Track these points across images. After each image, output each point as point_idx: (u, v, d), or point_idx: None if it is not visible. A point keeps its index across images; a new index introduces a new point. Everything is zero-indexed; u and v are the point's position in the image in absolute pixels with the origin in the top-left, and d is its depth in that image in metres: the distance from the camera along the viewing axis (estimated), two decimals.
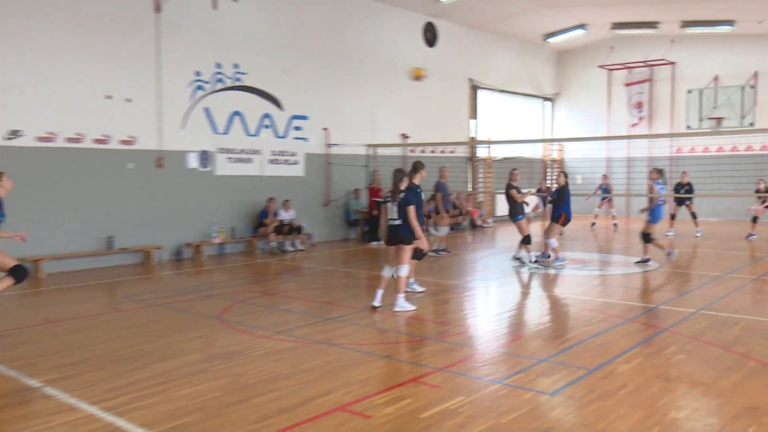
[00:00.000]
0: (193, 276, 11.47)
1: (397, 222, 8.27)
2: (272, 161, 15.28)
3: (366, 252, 14.61)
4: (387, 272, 8.57)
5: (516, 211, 11.92)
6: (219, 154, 14.22)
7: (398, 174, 8.37)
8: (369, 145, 16.94)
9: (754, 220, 16.11)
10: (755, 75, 21.19)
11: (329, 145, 16.49)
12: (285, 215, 14.65)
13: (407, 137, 18.65)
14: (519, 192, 11.93)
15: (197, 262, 12.97)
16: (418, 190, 8.57)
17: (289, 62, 15.52)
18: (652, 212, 12.21)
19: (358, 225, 16.81)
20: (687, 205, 16.82)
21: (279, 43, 15.30)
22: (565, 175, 12.06)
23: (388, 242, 8.43)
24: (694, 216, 16.90)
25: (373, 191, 15.83)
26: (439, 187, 13.56)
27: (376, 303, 8.34)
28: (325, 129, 16.41)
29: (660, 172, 12.34)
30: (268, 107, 15.14)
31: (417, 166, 8.75)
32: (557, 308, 8.64)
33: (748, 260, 12.69)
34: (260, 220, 14.54)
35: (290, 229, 14.53)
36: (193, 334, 7.17)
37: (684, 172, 17.01)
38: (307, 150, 16.04)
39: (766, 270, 11.56)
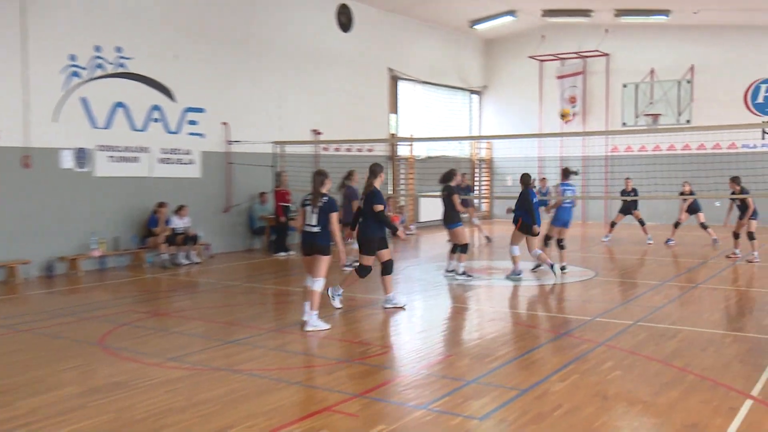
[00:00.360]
0: (67, 295, 11.04)
1: (315, 229, 8.30)
2: (163, 160, 14.93)
3: (273, 264, 14.49)
4: (310, 282, 8.54)
5: (453, 217, 11.89)
6: (99, 152, 13.75)
7: (319, 177, 8.43)
8: (276, 143, 16.81)
9: (676, 225, 17.08)
10: (691, 69, 22.43)
11: (230, 142, 16.28)
12: (178, 223, 14.35)
13: (319, 134, 18.64)
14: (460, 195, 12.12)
15: (73, 279, 12.48)
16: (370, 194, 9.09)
17: (183, 46, 15.21)
18: (556, 215, 12.81)
19: (264, 233, 16.64)
20: (633, 213, 17.51)
21: (170, 24, 14.97)
22: (525, 179, 12.04)
23: (304, 251, 8.47)
24: (641, 223, 17.58)
25: (280, 195, 15.71)
26: (350, 193, 13.18)
27: (306, 317, 8.34)
28: (224, 124, 16.19)
29: (568, 173, 12.93)
30: (158, 98, 14.78)
31: (376, 170, 9.47)
32: (487, 324, 8.82)
33: (687, 267, 13.38)
34: (149, 228, 14.17)
35: (184, 239, 14.25)
36: (69, 364, 6.88)
37: (628, 179, 17.64)
38: (204, 147, 15.76)
39: (706, 276, 12.22)
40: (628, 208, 17.61)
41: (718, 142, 20.58)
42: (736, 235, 14.25)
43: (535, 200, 11.78)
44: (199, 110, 15.66)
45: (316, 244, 8.29)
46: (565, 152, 23.91)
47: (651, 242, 17.26)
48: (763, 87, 21.63)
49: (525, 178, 11.88)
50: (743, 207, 14.05)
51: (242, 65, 16.64)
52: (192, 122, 15.53)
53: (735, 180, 14.10)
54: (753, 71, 21.72)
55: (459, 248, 12.03)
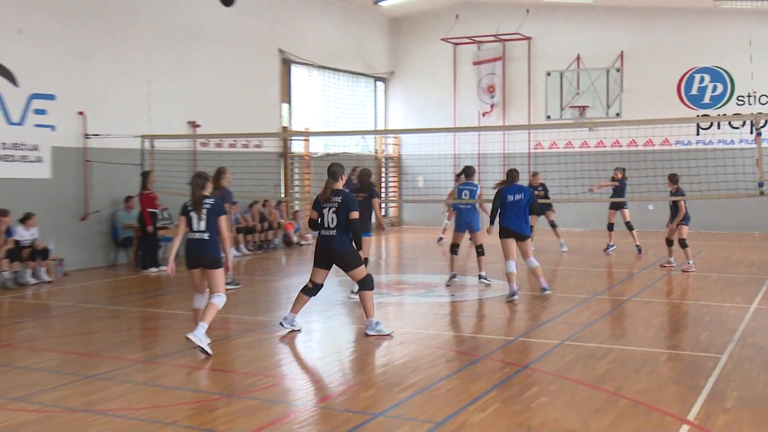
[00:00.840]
0: None
1: (205, 236, 8.42)
2: (2, 158, 14.41)
3: (141, 282, 14.20)
4: (199, 303, 8.61)
5: (366, 225, 11.74)
6: None
7: (199, 180, 8.56)
8: (144, 137, 16.46)
9: (610, 227, 17.68)
10: (621, 56, 23.43)
11: (88, 136, 15.87)
12: (24, 234, 13.92)
13: (198, 126, 18.39)
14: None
15: None
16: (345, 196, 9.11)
17: (26, 19, 14.74)
18: (456, 220, 13.26)
19: (131, 246, 16.28)
20: (545, 213, 18.05)
21: None
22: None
23: (190, 263, 8.54)
24: (553, 225, 18.13)
25: (147, 199, 15.40)
26: (225, 195, 12.21)
27: (192, 336, 8.28)
28: (80, 113, 15.79)
29: (467, 172, 13.36)
30: None
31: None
32: (396, 347, 8.91)
33: (619, 278, 13.95)
34: None
35: (32, 254, 13.80)
36: None
37: (536, 173, 18.27)
38: (55, 142, 15.32)
39: (638, 289, 12.78)
40: (540, 207, 18.02)
41: (650, 138, 21.56)
42: (669, 242, 14.90)
43: (508, 200, 11.55)
44: (49, 97, 15.19)
45: (203, 254, 8.39)
46: (483, 149, 24.45)
47: (565, 250, 17.85)
48: (698, 77, 22.83)
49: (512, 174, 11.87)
50: (674, 210, 14.66)
51: (102, 43, 16.23)
52: (39, 111, 15.04)
53: (672, 178, 14.60)
54: (687, 59, 22.87)
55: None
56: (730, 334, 9.16)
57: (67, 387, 7.23)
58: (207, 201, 8.44)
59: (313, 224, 9.29)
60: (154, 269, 15.24)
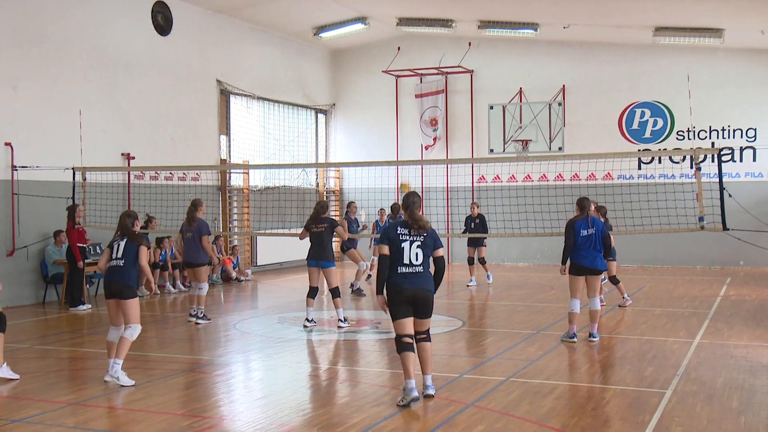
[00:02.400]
0: None
1: (120, 263, 8.85)
2: None
3: (71, 320, 13.90)
4: (113, 335, 8.84)
5: (332, 254, 12.66)
6: None
7: (128, 219, 9.17)
8: (76, 169, 16.21)
9: (470, 261, 18.23)
10: (563, 90, 23.93)
11: (15, 168, 15.57)
12: None
13: (132, 158, 18.17)
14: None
15: None
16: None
17: None
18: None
19: (61, 282, 15.94)
20: (477, 249, 18.14)
21: None
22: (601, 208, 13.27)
23: (106, 293, 8.88)
24: (482, 261, 18.28)
25: (77, 234, 15.13)
26: (201, 227, 13.38)
27: (108, 377, 8.70)
28: (7, 144, 15.50)
29: (393, 209, 13.63)
30: None
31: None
32: (339, 386, 8.87)
33: (563, 314, 14.08)
34: None
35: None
36: None
37: (474, 203, 18.50)
38: None
39: (582, 324, 12.95)
40: (476, 240, 18.05)
41: (592, 172, 21.99)
42: (614, 280, 14.75)
43: (583, 233, 11.05)
44: None
45: (115, 283, 8.77)
46: (427, 182, 24.64)
47: (490, 281, 18.25)
48: (638, 111, 23.43)
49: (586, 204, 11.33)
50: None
51: (31, 71, 15.98)
52: None
53: (601, 210, 14.50)
54: (628, 94, 23.47)
55: (309, 292, 12.64)
56: (673, 369, 9.34)
57: None
58: (124, 237, 9.02)
59: (385, 260, 8.06)
60: (82, 307, 14.93)
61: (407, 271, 7.94)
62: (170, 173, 19.10)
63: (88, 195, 16.18)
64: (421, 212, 8.34)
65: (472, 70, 24.78)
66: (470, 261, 18.44)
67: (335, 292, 12.54)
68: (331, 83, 26.52)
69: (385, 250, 8.01)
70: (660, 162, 22.25)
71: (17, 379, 8.98)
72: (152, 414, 7.62)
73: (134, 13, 18.64)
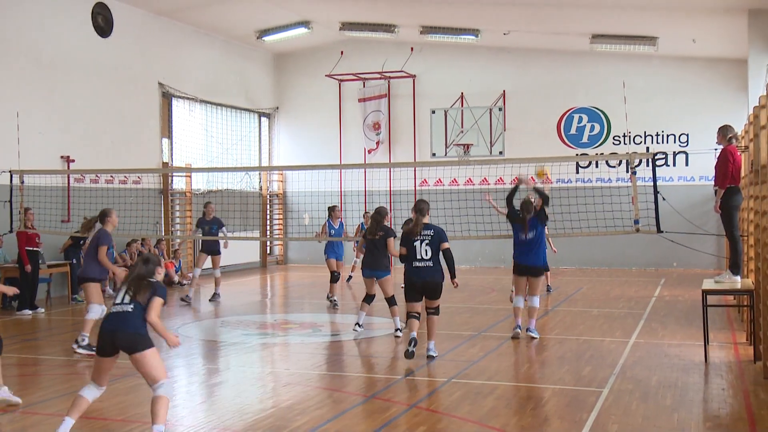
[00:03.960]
0: None
1: (128, 308, 6.85)
2: None
3: (11, 326, 13.55)
4: (90, 393, 7.24)
5: (387, 263, 12.31)
6: None
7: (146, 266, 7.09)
8: (13, 172, 15.82)
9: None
10: (503, 95, 24.18)
11: None
12: None
13: (72, 161, 17.82)
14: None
15: None
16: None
17: None
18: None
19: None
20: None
21: None
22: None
23: (104, 348, 7.00)
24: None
25: (26, 237, 14.79)
26: (103, 237, 10.95)
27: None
28: None
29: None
30: None
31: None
32: (282, 389, 8.82)
33: (505, 315, 14.23)
34: None
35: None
36: None
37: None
38: None
39: (523, 325, 13.09)
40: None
41: (532, 176, 22.22)
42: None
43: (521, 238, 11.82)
44: None
45: (123, 333, 6.67)
46: (370, 185, 24.66)
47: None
48: (576, 117, 23.79)
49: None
50: None
51: None
52: None
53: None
54: (566, 100, 23.80)
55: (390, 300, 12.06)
56: (610, 368, 9.50)
57: None
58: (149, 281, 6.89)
59: (404, 258, 10.21)
60: (28, 311, 14.58)
61: (420, 265, 9.99)
62: (111, 176, 18.77)
63: (27, 198, 15.81)
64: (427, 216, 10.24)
65: (415, 75, 24.88)
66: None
67: (391, 301, 11.95)
68: (275, 87, 26.38)
69: (404, 250, 10.16)
70: (597, 166, 22.58)
71: (19, 404, 8.05)
72: (93, 420, 7.48)
73: (74, 14, 18.29)
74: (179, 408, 8.15)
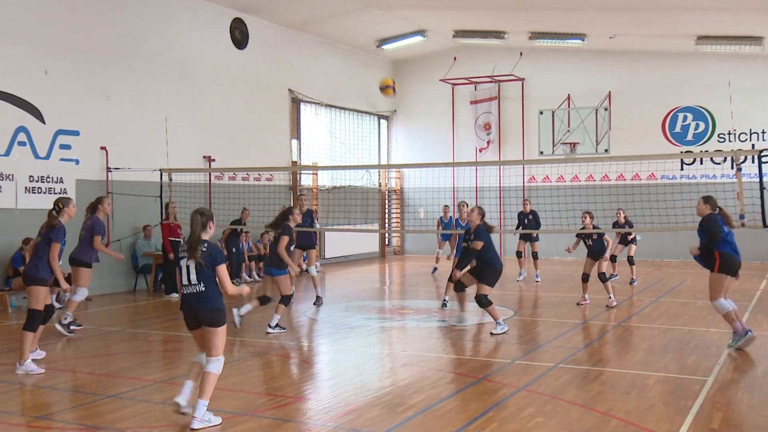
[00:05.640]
0: None
1: (200, 288, 6.79)
2: (31, 190, 14.42)
3: (160, 307, 14.17)
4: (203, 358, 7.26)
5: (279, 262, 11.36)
6: None
7: (202, 218, 7.01)
8: (163, 170, 16.50)
9: (613, 258, 17.22)
10: (609, 96, 23.54)
11: (109, 170, 15.90)
12: None
13: (213, 160, 18.44)
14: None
15: None
16: None
17: (54, 60, 14.80)
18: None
19: (150, 272, 16.26)
20: (532, 243, 17.76)
21: (39, 35, 14.56)
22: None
23: (189, 324, 7.08)
24: (535, 256, 17.59)
25: (168, 229, 15.43)
26: (96, 226, 11.37)
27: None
28: (102, 148, 15.82)
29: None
30: (24, 118, 14.30)
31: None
32: (399, 369, 8.88)
33: (607, 304, 13.86)
34: (14, 268, 13.60)
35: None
36: None
37: (526, 200, 18.24)
38: (79, 175, 15.33)
39: (628, 314, 12.74)
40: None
41: (637, 172, 21.62)
42: (585, 278, 13.72)
43: (726, 229, 10.13)
44: (74, 133, 15.23)
45: (201, 310, 6.75)
46: (480, 182, 24.50)
47: (539, 280, 17.22)
48: (681, 116, 22.92)
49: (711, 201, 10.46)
50: (599, 245, 13.64)
51: (124, 83, 16.31)
52: (65, 146, 15.07)
53: (590, 214, 13.83)
54: (670, 99, 22.96)
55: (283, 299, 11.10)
56: (714, 358, 9.12)
57: (89, 406, 7.20)
58: (203, 245, 6.82)
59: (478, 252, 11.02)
60: (175, 294, 15.22)
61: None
62: (246, 174, 19.34)
63: (174, 194, 16.47)
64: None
65: (523, 78, 24.54)
66: (518, 254, 18.14)
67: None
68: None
69: (480, 245, 10.87)
70: (702, 163, 21.75)
71: (42, 373, 8.49)
72: (231, 392, 7.72)
73: (214, 29, 18.91)
74: (307, 384, 8.33)
